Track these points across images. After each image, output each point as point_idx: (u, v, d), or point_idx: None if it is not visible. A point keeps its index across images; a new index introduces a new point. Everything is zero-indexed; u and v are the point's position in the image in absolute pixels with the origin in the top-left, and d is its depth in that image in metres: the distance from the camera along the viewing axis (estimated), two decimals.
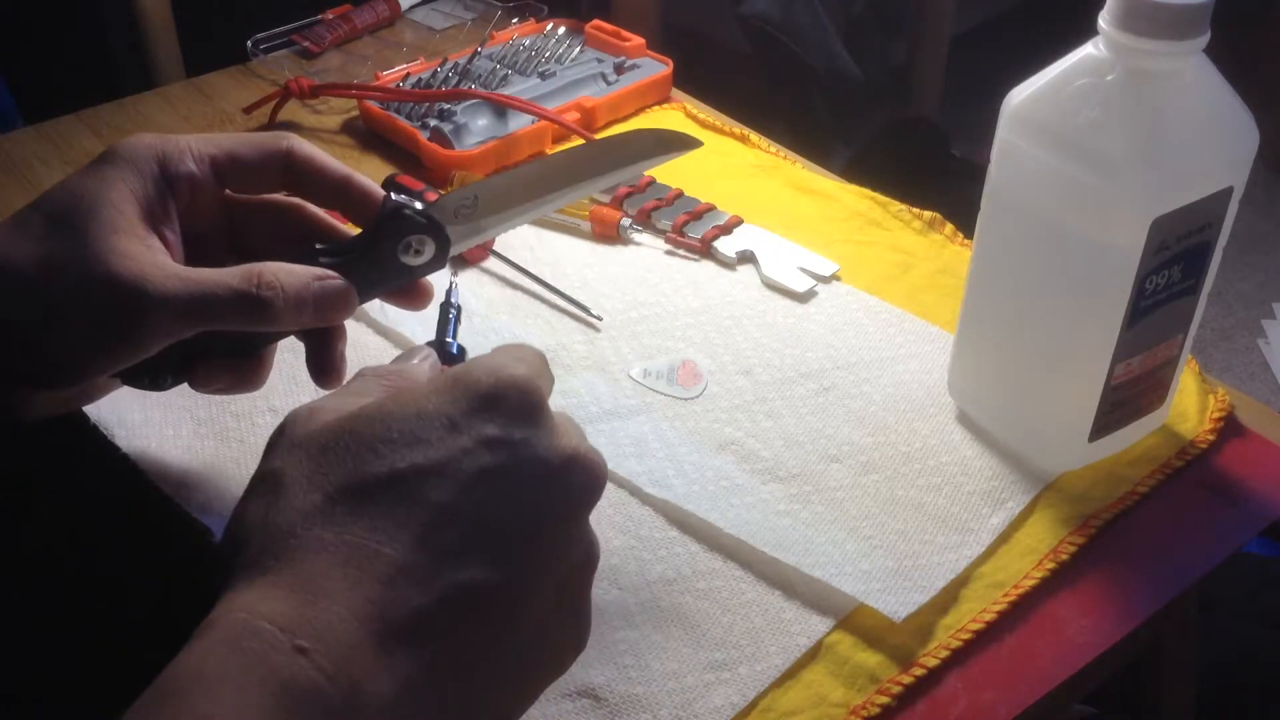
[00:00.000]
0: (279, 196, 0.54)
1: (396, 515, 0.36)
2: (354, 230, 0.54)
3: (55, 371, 0.47)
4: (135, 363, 0.47)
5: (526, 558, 0.37)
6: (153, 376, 0.50)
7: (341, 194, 0.53)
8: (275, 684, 0.32)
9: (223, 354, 0.50)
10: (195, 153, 0.50)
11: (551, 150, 0.83)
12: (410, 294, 0.54)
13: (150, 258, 0.47)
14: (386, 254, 0.51)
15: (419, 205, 0.52)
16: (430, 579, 0.35)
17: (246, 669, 0.32)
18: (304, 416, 0.39)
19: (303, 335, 0.52)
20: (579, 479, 0.39)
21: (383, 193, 0.53)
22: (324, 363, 0.52)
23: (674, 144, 0.61)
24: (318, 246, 0.51)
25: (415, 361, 0.45)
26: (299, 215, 0.54)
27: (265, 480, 0.38)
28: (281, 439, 0.39)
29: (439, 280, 0.54)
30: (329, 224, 0.54)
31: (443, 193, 0.71)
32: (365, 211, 0.53)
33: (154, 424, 0.58)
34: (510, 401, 0.38)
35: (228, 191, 0.53)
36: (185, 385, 0.51)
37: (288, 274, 0.48)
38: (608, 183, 0.60)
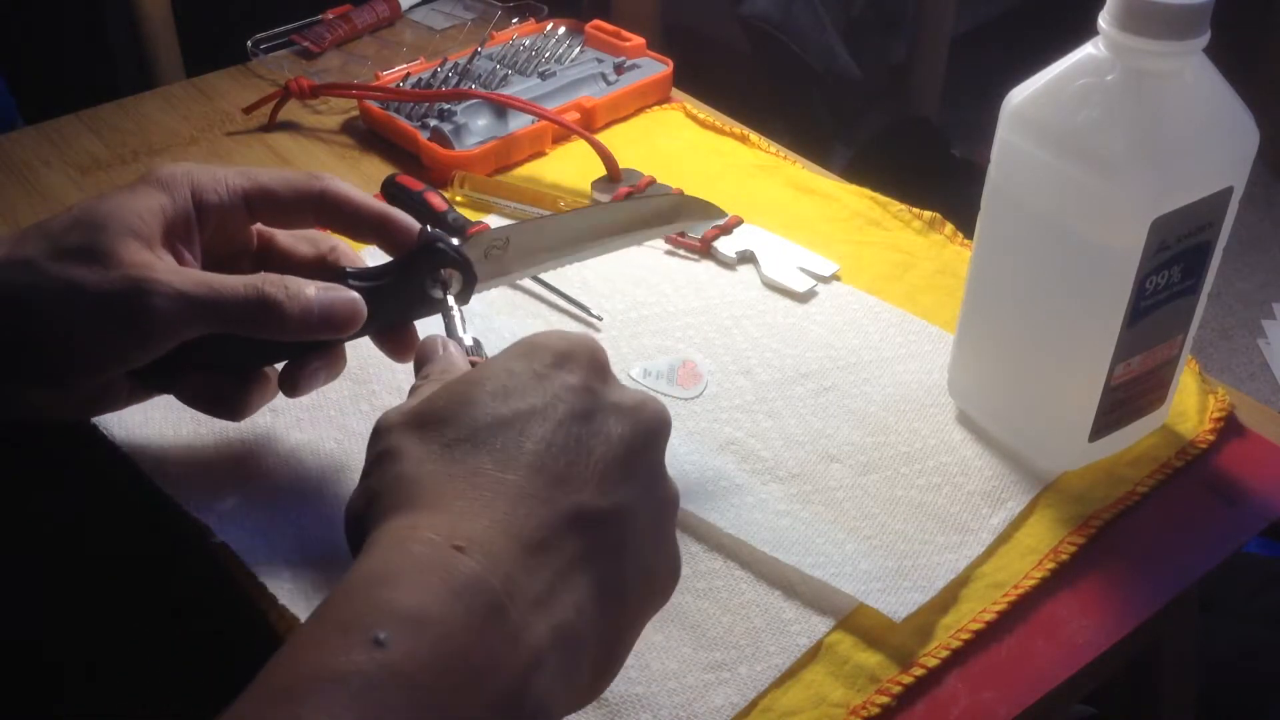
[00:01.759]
0: (309, 231, 0.56)
1: (509, 449, 0.39)
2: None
3: (60, 363, 0.47)
4: (143, 363, 0.47)
5: (625, 487, 0.40)
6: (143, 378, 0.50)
7: (379, 230, 0.55)
8: (444, 573, 0.35)
9: (220, 368, 0.51)
10: (229, 185, 0.52)
11: (550, 151, 0.83)
12: (398, 343, 0.55)
13: (161, 261, 0.48)
14: (416, 284, 0.53)
15: (455, 241, 0.54)
16: (551, 500, 0.38)
17: (416, 563, 0.36)
18: (392, 412, 0.42)
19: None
20: (652, 417, 0.43)
21: (419, 225, 0.55)
22: (294, 377, 0.53)
23: (704, 213, 0.65)
24: (348, 270, 0.53)
25: (443, 353, 0.48)
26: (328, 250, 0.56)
27: (380, 459, 0.41)
28: (382, 432, 0.42)
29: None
30: (355, 258, 0.56)
31: (444, 194, 0.71)
32: (404, 243, 0.55)
33: (153, 422, 0.58)
34: (582, 357, 0.43)
35: (259, 225, 0.55)
36: None
37: (295, 279, 0.49)
38: (633, 242, 0.62)
